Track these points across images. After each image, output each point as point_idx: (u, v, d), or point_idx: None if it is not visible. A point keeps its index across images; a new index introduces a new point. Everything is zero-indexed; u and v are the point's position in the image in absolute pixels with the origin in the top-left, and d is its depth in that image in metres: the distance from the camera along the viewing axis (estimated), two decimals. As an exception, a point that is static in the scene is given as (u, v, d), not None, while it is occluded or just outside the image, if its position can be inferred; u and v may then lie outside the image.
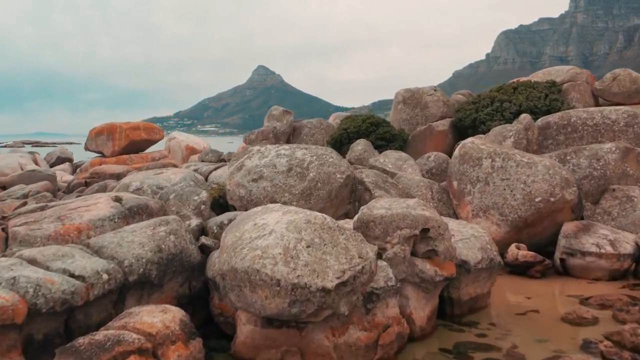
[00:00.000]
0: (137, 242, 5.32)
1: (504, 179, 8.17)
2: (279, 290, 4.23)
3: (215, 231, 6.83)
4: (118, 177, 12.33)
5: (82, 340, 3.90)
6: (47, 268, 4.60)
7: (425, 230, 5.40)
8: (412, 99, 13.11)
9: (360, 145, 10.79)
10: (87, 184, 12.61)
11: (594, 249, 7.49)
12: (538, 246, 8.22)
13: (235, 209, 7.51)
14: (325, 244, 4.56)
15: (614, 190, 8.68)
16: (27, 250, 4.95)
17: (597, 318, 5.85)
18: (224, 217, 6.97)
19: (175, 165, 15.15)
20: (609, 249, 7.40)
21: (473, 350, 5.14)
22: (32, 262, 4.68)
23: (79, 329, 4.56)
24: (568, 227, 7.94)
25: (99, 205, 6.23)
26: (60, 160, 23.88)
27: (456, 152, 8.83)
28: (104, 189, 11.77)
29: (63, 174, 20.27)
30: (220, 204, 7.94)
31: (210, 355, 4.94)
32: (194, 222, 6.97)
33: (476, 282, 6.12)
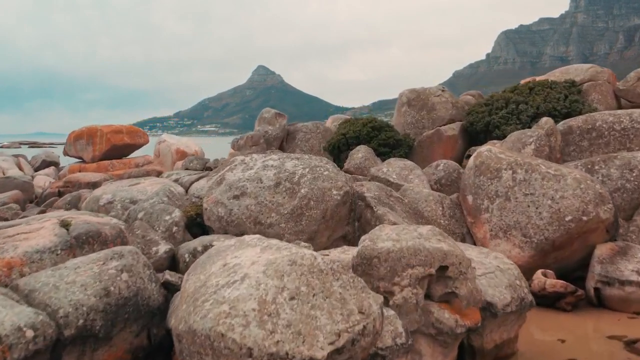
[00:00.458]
0: (78, 284, 4.20)
1: (527, 194, 7.04)
2: (251, 364, 3.11)
3: (187, 260, 5.75)
4: (94, 186, 11.21)
5: None
6: (-53, 327, 3.48)
7: (443, 268, 4.28)
8: (417, 100, 11.92)
9: (360, 153, 9.65)
10: (60, 194, 11.49)
11: (634, 277, 6.37)
12: (565, 271, 7.12)
13: (212, 232, 6.38)
14: (315, 295, 3.44)
15: (651, 205, 7.56)
16: None
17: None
18: (197, 242, 5.86)
19: (160, 172, 14.03)
20: (654, 277, 6.28)
21: None
22: None
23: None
24: (602, 250, 6.82)
25: (42, 231, 5.09)
26: (46, 164, 22.68)
27: (471, 161, 7.70)
28: (77, 200, 10.66)
29: (47, 180, 19.11)
30: (198, 223, 6.83)
31: None
32: (162, 248, 5.86)
33: (503, 326, 5.00)
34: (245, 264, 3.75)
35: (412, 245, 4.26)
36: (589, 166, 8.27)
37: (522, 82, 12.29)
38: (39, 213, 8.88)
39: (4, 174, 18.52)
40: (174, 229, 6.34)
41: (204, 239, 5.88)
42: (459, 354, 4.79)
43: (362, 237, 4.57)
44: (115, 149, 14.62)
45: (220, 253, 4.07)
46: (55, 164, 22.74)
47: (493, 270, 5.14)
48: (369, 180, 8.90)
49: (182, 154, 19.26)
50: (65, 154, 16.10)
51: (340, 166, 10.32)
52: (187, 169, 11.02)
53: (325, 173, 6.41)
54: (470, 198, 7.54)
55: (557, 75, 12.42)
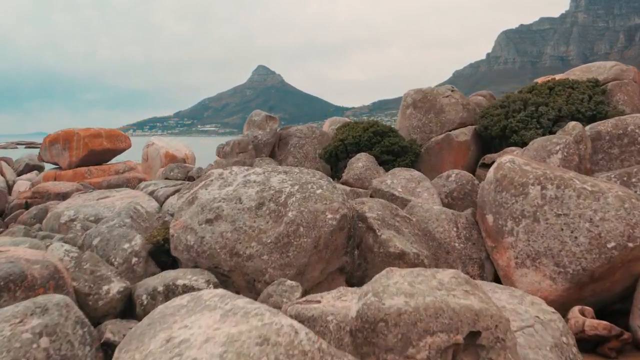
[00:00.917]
0: (-23, 356, 3.08)
1: (560, 215, 5.90)
2: None
3: (145, 303, 4.63)
4: (64, 197, 10.07)
5: None
6: None
7: (473, 334, 3.14)
8: (424, 101, 10.71)
9: (361, 162, 8.49)
10: (27, 206, 10.33)
11: (693, 316, 5.24)
12: (604, 304, 6.01)
13: (181, 264, 5.24)
14: (294, 394, 2.31)
15: None
16: None
17: None
18: (159, 281, 4.73)
19: (142, 180, 12.89)
20: None
21: None
22: None
23: None
24: (651, 282, 5.69)
25: (-49, 273, 3.95)
26: (29, 167, 21.48)
27: (490, 174, 6.56)
28: (44, 214, 9.52)
29: (27, 186, 17.89)
30: (167, 250, 5.69)
31: None
32: (116, 287, 4.73)
33: (546, 397, 3.85)
34: (196, 340, 2.62)
35: (432, 302, 3.12)
36: (625, 178, 7.15)
37: (539, 80, 11.13)
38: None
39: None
40: (134, 260, 5.21)
41: (166, 276, 4.74)
42: None
43: (364, 288, 3.43)
44: (93, 154, 13.46)
45: (166, 319, 2.93)
46: (39, 167, 21.51)
47: (532, 323, 4.00)
48: (371, 194, 7.77)
49: (171, 158, 18.09)
50: (40, 159, 14.97)
51: (338, 177, 9.18)
52: (166, 178, 9.84)
53: (318, 192, 5.27)
54: (490, 218, 6.40)
55: (577, 73, 11.25)
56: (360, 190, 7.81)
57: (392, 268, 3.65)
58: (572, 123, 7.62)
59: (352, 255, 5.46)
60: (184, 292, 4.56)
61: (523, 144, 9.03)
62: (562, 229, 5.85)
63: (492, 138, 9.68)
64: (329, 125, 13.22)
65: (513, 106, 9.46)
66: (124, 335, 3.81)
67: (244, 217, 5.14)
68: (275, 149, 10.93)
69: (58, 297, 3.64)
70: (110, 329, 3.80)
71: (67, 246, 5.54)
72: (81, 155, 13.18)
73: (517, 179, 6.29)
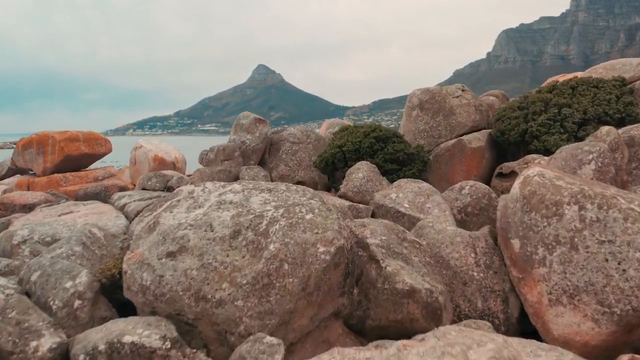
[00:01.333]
0: None
1: (604, 242, 4.84)
2: None
3: (83, 366, 3.54)
4: (31, 209, 9.01)
5: None
6: None
7: None
8: (431, 102, 9.61)
9: (361, 172, 7.41)
10: (-10, 219, 9.27)
11: None
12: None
13: (135, 309, 4.19)
14: None
15: None
16: None
17: None
18: (101, 336, 3.69)
19: (123, 188, 11.84)
20: None
21: None
22: None
23: None
24: None
25: None
26: (12, 171, 20.38)
27: (516, 190, 5.50)
28: (4, 228, 8.47)
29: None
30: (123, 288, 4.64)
31: None
32: (47, 344, 3.73)
33: None
34: None
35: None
36: (669, 192, 6.11)
37: (559, 78, 10.07)
38: None
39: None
40: (76, 303, 4.15)
41: (112, 329, 3.69)
42: None
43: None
44: (70, 159, 12.38)
45: None
46: (23, 171, 20.42)
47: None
48: (373, 210, 6.72)
49: (160, 162, 17.05)
50: (13, 164, 13.91)
51: (336, 188, 8.12)
52: (143, 188, 8.77)
53: (308, 217, 4.22)
54: (516, 243, 5.34)
55: (600, 71, 10.18)
56: (361, 205, 6.76)
57: (405, 343, 2.60)
58: (606, 128, 6.57)
59: (350, 296, 4.41)
60: (132, 352, 3.53)
61: (545, 150, 7.99)
62: (607, 260, 4.79)
63: (509, 144, 8.60)
64: (326, 128, 12.12)
65: (533, 108, 8.38)
66: None
67: (215, 250, 4.09)
68: (265, 155, 9.84)
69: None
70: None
71: (2, 280, 4.51)
72: (56, 160, 12.12)
73: (548, 197, 5.23)
